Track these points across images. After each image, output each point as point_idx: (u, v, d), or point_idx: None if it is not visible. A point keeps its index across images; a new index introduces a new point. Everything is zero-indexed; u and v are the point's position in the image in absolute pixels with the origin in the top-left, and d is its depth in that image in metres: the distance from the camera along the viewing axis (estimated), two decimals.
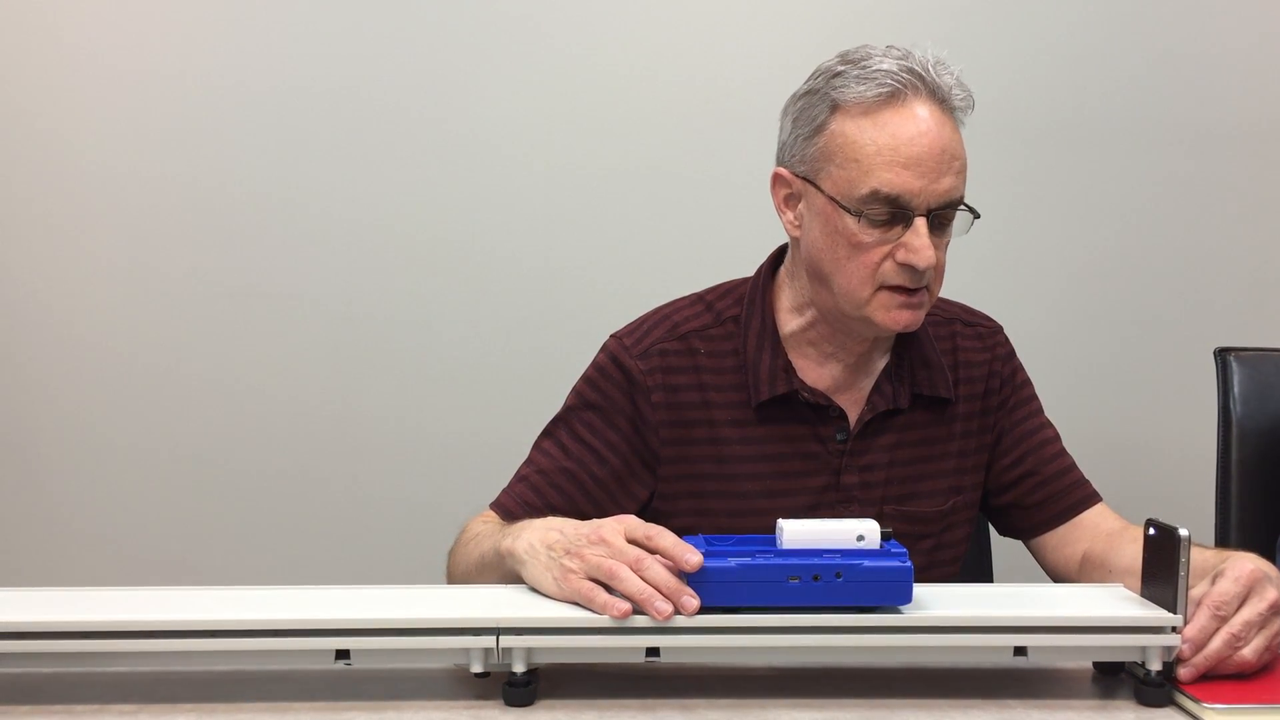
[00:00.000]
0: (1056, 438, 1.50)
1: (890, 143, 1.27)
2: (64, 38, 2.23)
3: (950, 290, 1.52)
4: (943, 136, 1.28)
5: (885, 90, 1.28)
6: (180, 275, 2.27)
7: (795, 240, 1.40)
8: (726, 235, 2.15)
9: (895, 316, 1.32)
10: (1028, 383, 1.51)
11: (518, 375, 2.26)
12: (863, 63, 1.30)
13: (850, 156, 1.28)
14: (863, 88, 1.28)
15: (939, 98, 1.29)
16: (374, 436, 2.30)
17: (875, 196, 1.27)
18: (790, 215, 1.38)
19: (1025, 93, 2.29)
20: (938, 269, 1.32)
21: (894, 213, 1.28)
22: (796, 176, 1.35)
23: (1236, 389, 1.69)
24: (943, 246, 1.32)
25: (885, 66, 1.29)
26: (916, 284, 1.31)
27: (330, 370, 2.29)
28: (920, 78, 1.28)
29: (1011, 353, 1.51)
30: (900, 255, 1.29)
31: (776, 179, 1.39)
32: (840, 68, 1.32)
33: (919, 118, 1.27)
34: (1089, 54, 2.29)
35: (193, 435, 2.29)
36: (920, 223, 1.28)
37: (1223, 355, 1.72)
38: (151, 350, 2.28)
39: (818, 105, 1.32)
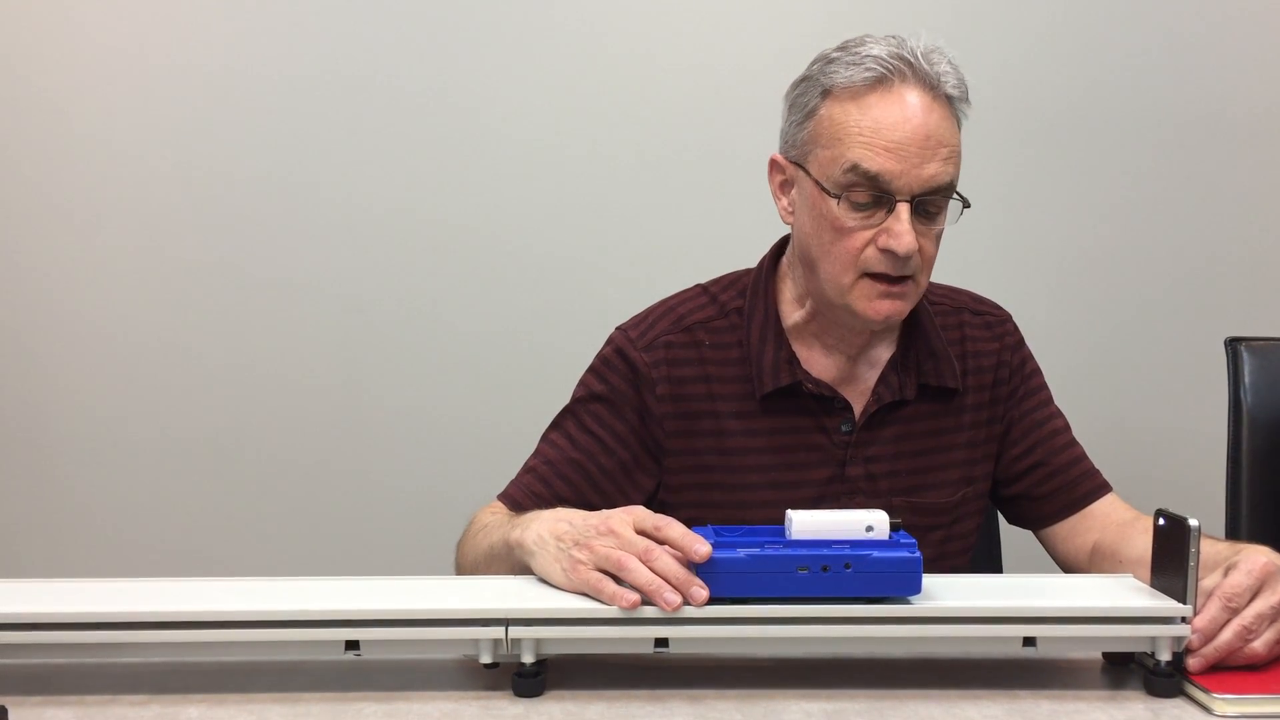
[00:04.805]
0: (1066, 428, 1.49)
1: (873, 125, 1.27)
2: (76, 29, 2.23)
3: (959, 279, 1.52)
4: (928, 123, 1.27)
5: (873, 75, 1.28)
6: (189, 265, 2.27)
7: (790, 228, 1.40)
8: (735, 227, 2.15)
9: (876, 306, 1.31)
10: (1037, 372, 1.50)
11: (526, 367, 2.27)
12: (855, 49, 1.31)
13: (834, 136, 1.29)
14: (851, 72, 1.29)
15: (928, 84, 1.28)
16: (383, 428, 2.31)
17: (855, 171, 1.27)
18: (784, 201, 1.39)
19: (1035, 82, 2.28)
20: (925, 260, 1.31)
21: (876, 195, 1.27)
22: (790, 162, 1.36)
23: (1247, 379, 1.69)
24: (931, 237, 1.31)
25: (875, 52, 1.29)
26: (899, 272, 1.30)
27: (339, 362, 2.30)
28: (909, 64, 1.28)
29: (1020, 341, 1.50)
30: (881, 240, 1.28)
31: (773, 165, 1.39)
32: (835, 54, 1.32)
33: (905, 103, 1.27)
34: (1099, 41, 2.27)
35: (203, 426, 2.30)
36: (903, 208, 1.27)
37: (1233, 345, 1.71)
38: (161, 341, 2.28)
39: (810, 91, 1.33)
